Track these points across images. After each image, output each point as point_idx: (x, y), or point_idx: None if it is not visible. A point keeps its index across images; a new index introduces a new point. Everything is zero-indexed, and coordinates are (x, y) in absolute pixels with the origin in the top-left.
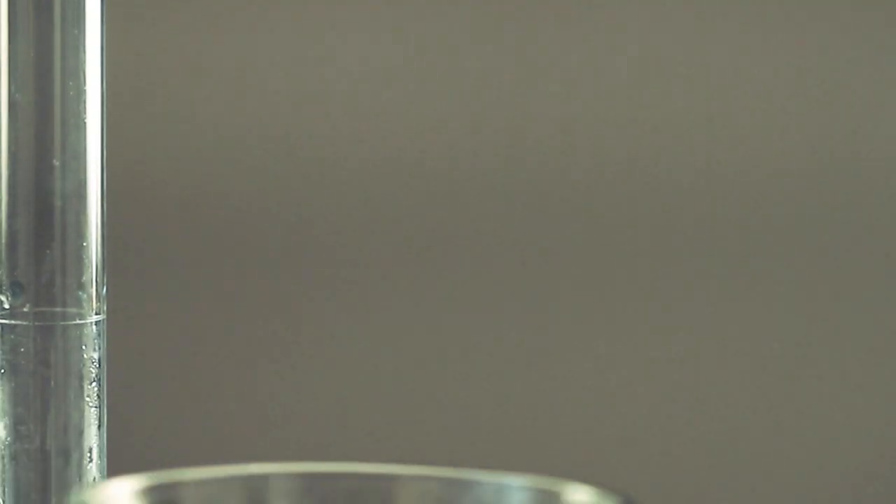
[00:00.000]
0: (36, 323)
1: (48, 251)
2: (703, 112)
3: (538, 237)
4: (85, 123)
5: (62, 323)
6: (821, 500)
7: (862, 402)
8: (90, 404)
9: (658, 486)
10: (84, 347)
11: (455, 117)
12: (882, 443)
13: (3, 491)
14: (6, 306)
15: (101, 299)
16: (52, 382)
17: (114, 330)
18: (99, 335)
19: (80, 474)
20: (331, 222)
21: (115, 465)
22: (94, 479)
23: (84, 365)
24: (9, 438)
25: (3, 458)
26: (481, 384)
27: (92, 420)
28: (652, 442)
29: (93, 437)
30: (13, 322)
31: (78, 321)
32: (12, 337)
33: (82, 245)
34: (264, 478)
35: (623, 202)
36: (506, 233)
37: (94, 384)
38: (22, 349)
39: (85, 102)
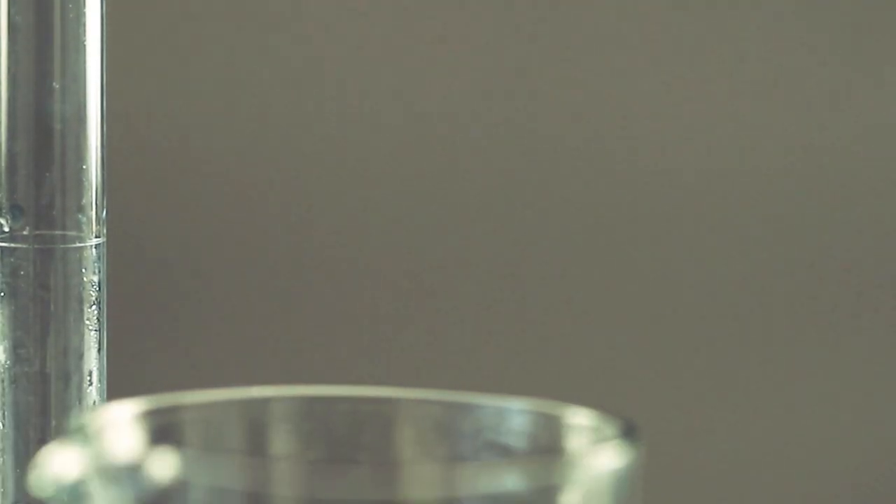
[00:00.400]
0: (35, 246)
1: (48, 174)
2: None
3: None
4: (85, 46)
5: (62, 246)
6: (824, 424)
7: (861, 340)
8: (90, 328)
9: (659, 412)
10: (84, 271)
11: None
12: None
13: (3, 414)
14: (6, 229)
15: (101, 222)
16: (52, 306)
17: (113, 253)
18: (98, 258)
19: (80, 398)
20: (330, 143)
21: (115, 389)
22: (94, 402)
23: (84, 288)
24: (8, 362)
25: (2, 381)
26: (483, 311)
27: (92, 343)
28: (653, 369)
29: (92, 361)
30: (13, 245)
31: (77, 244)
32: (12, 260)
33: (82, 168)
34: (264, 401)
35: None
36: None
37: (93, 307)
38: (21, 272)
39: (84, 25)
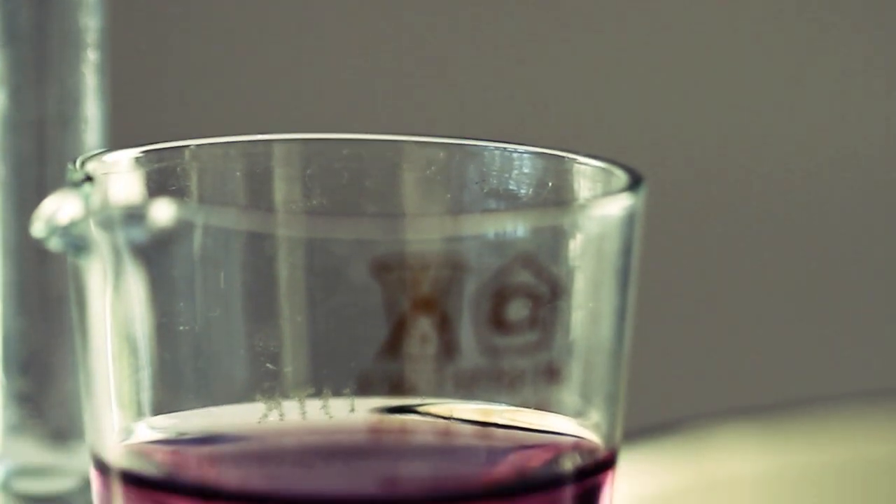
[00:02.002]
0: None
1: None
2: None
3: None
4: None
5: None
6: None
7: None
8: (90, 73)
9: (664, 163)
10: (83, 14)
11: None
12: None
13: (2, 161)
14: None
15: None
16: (51, 50)
17: None
18: (98, 1)
19: (79, 144)
20: None
21: (117, 137)
22: (94, 148)
23: (82, 32)
24: (7, 107)
25: (1, 127)
26: (489, 58)
27: (90, 89)
28: (658, 122)
29: (91, 106)
30: None
31: None
32: (9, 5)
33: None
34: (267, 146)
35: None
36: None
37: (94, 52)
38: (20, 16)
39: None
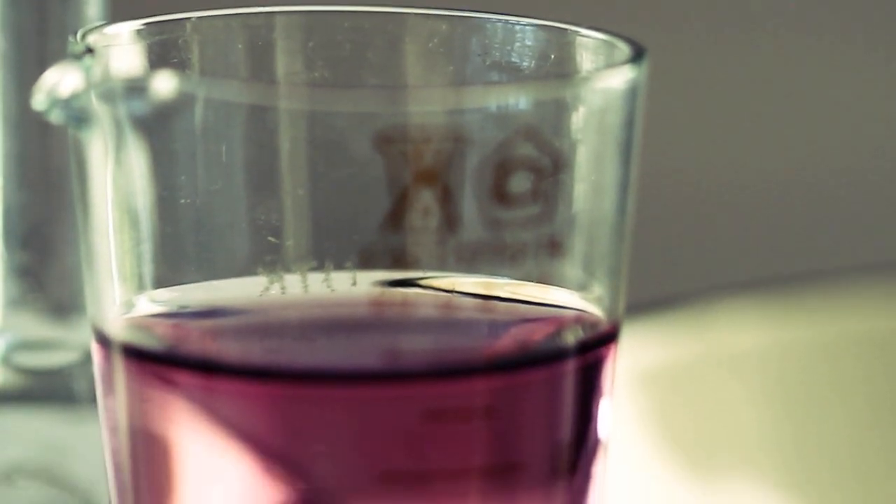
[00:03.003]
0: None
1: None
2: None
3: None
4: None
5: None
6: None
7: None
8: None
9: (667, 38)
10: None
11: None
12: None
13: (3, 34)
14: None
15: None
16: None
17: None
18: None
19: (81, 17)
20: None
21: (117, 9)
22: (95, 21)
23: None
24: None
25: (1, 0)
26: None
27: None
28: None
29: None
30: None
31: None
32: None
33: None
34: (269, 16)
35: None
36: None
37: None
38: None
39: None
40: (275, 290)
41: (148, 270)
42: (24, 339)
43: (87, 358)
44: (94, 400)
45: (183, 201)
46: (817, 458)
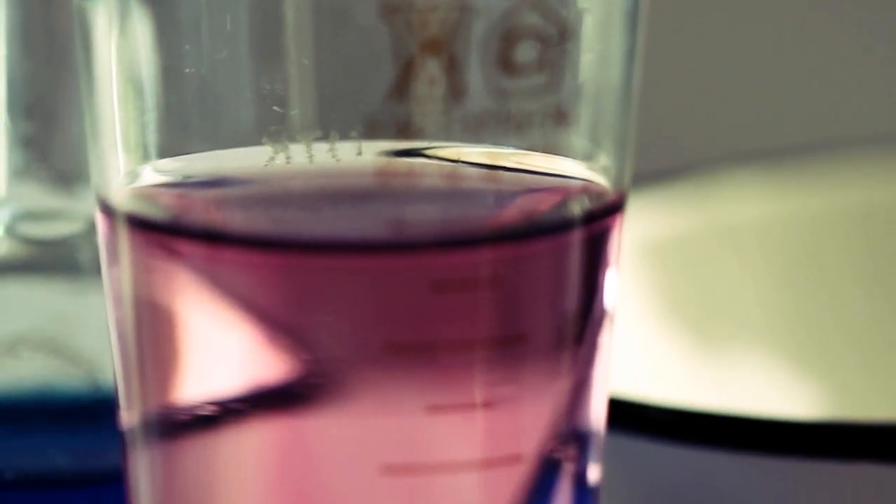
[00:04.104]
0: None
1: None
2: None
3: None
4: None
5: None
6: None
7: None
8: None
9: None
10: None
11: None
12: None
13: None
14: None
15: None
16: None
17: None
18: None
19: None
20: None
21: None
22: None
23: None
24: None
25: None
26: None
27: None
28: None
29: None
30: None
31: None
32: None
33: None
34: None
35: None
36: None
37: None
38: None
39: None
40: (280, 160)
41: (152, 140)
42: (28, 210)
43: (92, 228)
44: (98, 270)
45: (187, 70)
46: (819, 329)
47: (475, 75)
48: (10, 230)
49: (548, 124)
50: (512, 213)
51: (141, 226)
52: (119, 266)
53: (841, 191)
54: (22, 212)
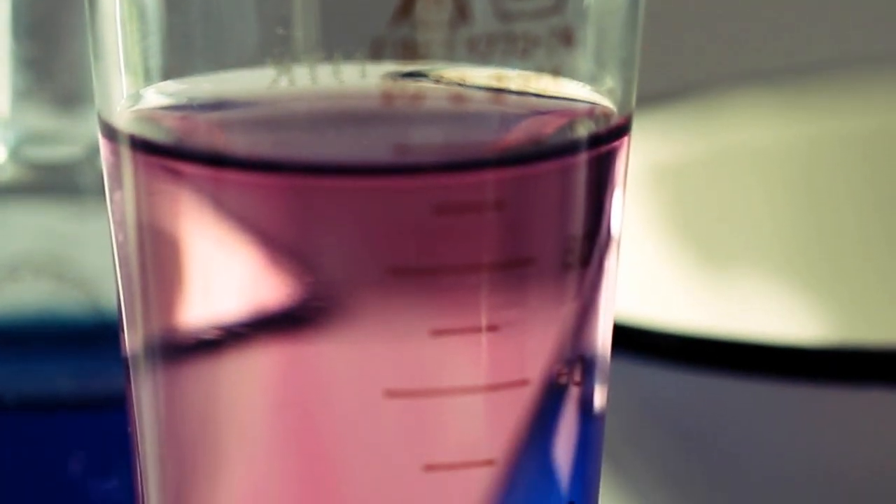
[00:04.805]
0: None
1: None
2: None
3: None
4: None
5: None
6: None
7: None
8: None
9: None
10: None
11: None
12: None
13: None
14: None
15: None
16: None
17: None
18: None
19: None
20: None
21: None
22: None
23: None
24: None
25: None
26: None
27: None
28: None
29: None
30: None
31: None
32: None
33: None
34: None
35: None
36: None
37: None
38: None
39: None
40: (283, 82)
41: (155, 62)
42: (31, 132)
43: (95, 151)
44: (101, 193)
45: None
46: (826, 251)
47: None
48: (14, 153)
49: (553, 46)
50: (517, 135)
51: (144, 148)
52: (122, 189)
53: (846, 113)
54: (25, 134)
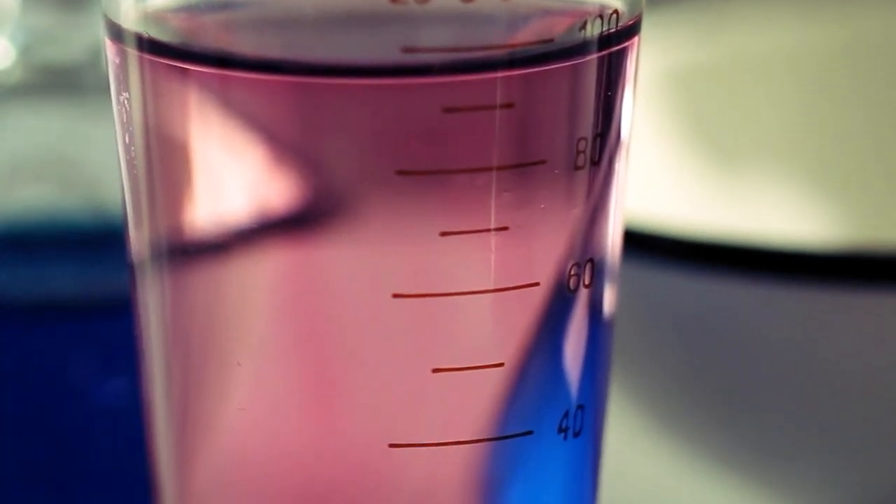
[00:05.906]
0: None
1: None
2: None
3: None
4: None
5: None
6: None
7: None
8: None
9: None
10: None
11: None
12: None
13: None
14: None
15: None
16: None
17: None
18: None
19: None
20: None
21: None
22: None
23: None
24: None
25: None
26: None
27: None
28: None
29: None
30: None
31: None
32: None
33: None
34: None
35: None
36: None
37: None
38: None
39: None
40: None
41: None
42: (39, 34)
43: (102, 52)
44: (108, 95)
45: None
46: (840, 155)
47: None
48: (22, 55)
49: None
50: (526, 35)
51: (151, 49)
52: (128, 90)
53: (858, 16)
54: (33, 36)
